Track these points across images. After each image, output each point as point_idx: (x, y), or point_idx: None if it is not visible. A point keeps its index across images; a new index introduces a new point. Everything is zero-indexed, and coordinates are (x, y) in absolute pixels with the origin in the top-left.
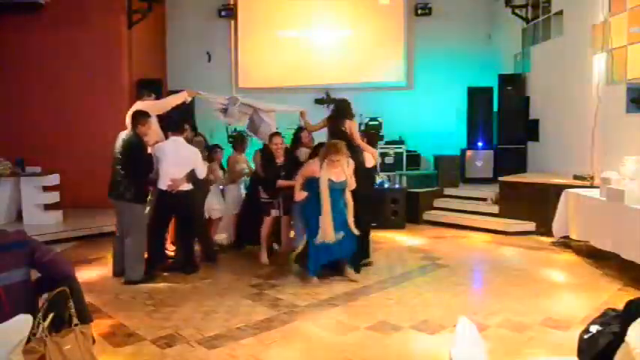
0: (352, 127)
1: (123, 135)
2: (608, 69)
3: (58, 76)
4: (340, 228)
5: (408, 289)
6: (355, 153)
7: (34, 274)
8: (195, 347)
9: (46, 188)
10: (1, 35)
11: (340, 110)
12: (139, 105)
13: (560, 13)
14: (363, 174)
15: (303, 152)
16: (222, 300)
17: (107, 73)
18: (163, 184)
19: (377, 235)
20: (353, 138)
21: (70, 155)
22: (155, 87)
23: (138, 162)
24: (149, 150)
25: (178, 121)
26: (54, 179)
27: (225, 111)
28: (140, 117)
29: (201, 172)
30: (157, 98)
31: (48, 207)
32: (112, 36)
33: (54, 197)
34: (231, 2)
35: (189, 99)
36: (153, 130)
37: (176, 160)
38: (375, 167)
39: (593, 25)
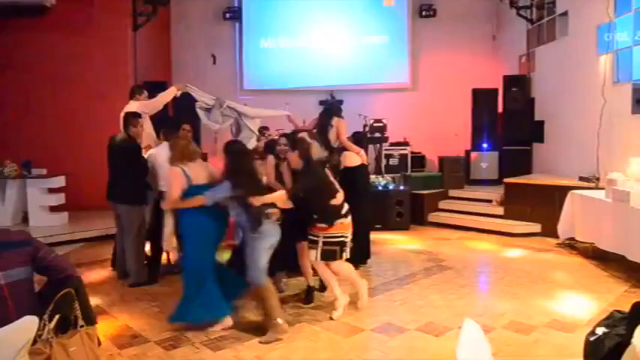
0: (340, 125)
1: (117, 138)
2: (614, 70)
3: (64, 78)
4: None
5: (413, 290)
6: (330, 152)
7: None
8: (200, 348)
9: (51, 190)
10: (7, 38)
11: (327, 109)
12: (131, 105)
13: (565, 14)
14: (344, 174)
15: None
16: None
17: (112, 75)
18: (164, 186)
19: (381, 237)
20: (338, 136)
21: (75, 157)
22: (160, 89)
23: (134, 164)
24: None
25: (174, 125)
26: (60, 181)
27: (208, 111)
28: (131, 118)
29: None
30: (151, 96)
31: (53, 209)
32: (117, 38)
33: (59, 199)
34: (236, 5)
35: (179, 93)
36: (146, 132)
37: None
38: (363, 165)
39: (599, 26)
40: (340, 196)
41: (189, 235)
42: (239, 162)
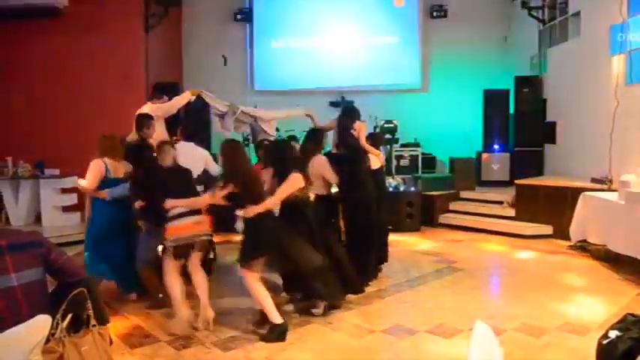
0: (361, 128)
1: (128, 138)
2: (627, 70)
3: (76, 79)
4: None
5: (424, 292)
6: (361, 156)
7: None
8: (211, 349)
9: (64, 190)
10: (20, 40)
11: (349, 111)
12: (146, 107)
13: (578, 14)
14: (374, 177)
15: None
16: (237, 302)
17: (124, 76)
18: None
19: (392, 238)
20: (359, 139)
21: (88, 158)
22: (171, 90)
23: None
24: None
25: (190, 128)
26: (72, 181)
27: (223, 118)
28: (144, 120)
29: (215, 170)
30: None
31: (66, 209)
32: (129, 40)
33: (72, 199)
34: (247, 6)
35: (193, 98)
36: (158, 133)
37: (187, 162)
38: (382, 168)
39: (612, 26)
40: (170, 202)
41: (94, 219)
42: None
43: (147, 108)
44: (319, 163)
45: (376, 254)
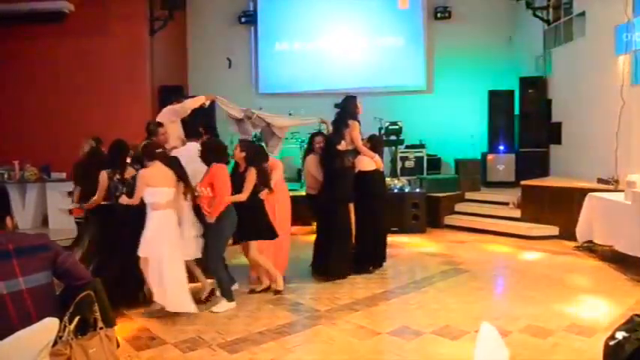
0: (353, 129)
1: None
2: (632, 70)
3: (81, 83)
4: None
5: (429, 294)
6: (338, 157)
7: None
8: (217, 351)
9: (71, 193)
10: (26, 44)
11: (343, 112)
12: (164, 111)
13: (583, 14)
14: (358, 178)
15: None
16: (243, 304)
17: (129, 80)
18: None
19: (397, 240)
20: (353, 140)
21: None
22: (176, 93)
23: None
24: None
25: (194, 127)
26: None
27: (238, 122)
28: (152, 127)
29: None
30: (168, 101)
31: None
32: (134, 43)
33: None
34: (251, 8)
35: (208, 103)
36: (176, 134)
37: (192, 160)
38: (377, 170)
39: (617, 26)
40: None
41: None
42: None
43: (163, 112)
44: (308, 162)
45: (369, 251)
